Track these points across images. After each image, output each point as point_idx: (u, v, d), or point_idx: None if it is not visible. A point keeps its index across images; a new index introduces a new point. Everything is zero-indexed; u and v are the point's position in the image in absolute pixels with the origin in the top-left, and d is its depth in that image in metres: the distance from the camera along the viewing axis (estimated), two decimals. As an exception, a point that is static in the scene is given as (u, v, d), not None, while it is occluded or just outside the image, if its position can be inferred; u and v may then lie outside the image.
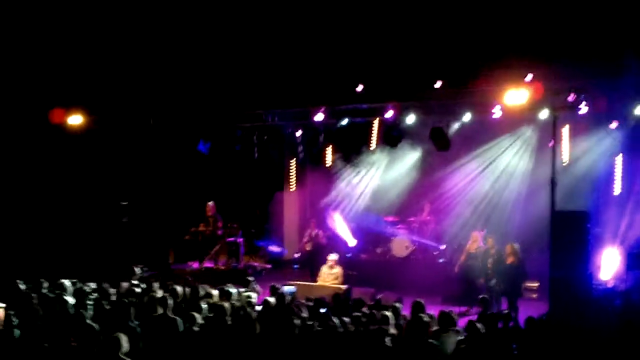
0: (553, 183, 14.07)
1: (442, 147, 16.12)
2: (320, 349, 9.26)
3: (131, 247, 17.85)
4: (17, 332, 9.26)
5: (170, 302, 10.32)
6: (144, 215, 18.94)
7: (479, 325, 9.82)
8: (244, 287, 13.22)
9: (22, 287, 12.18)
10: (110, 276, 13.65)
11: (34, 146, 18.03)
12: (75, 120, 17.83)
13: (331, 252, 16.52)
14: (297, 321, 9.77)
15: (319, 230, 18.66)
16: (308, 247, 18.48)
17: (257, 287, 13.52)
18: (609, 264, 15.80)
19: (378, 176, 20.28)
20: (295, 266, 20.36)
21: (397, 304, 11.56)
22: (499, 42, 16.82)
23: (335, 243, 19.00)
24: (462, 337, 9.62)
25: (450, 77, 17.36)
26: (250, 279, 13.97)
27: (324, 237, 18.61)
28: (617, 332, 11.27)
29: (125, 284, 13.05)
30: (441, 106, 15.77)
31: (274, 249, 20.76)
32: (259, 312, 11.14)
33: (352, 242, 19.35)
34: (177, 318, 9.91)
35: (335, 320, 9.88)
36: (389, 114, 15.99)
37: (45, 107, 17.78)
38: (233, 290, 12.19)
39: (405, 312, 11.34)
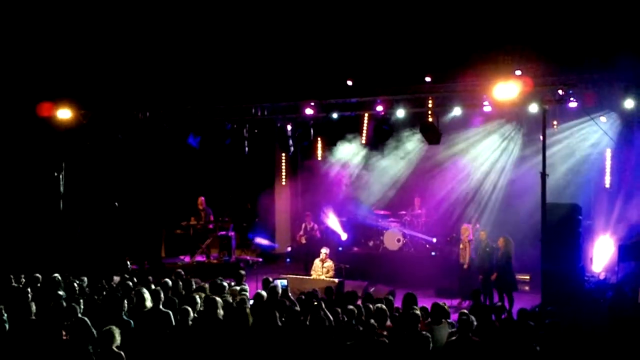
0: (544, 176, 14.11)
1: (432, 141, 16.12)
2: (312, 342, 9.25)
3: (123, 241, 17.80)
4: (6, 326, 9.21)
5: (163, 296, 10.28)
6: (135, 210, 18.88)
7: (471, 317, 9.84)
8: (236, 280, 13.18)
9: (15, 282, 12.12)
10: (103, 270, 13.60)
11: (23, 140, 17.92)
12: (64, 114, 17.73)
13: (325, 246, 16.54)
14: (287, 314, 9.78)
15: (315, 224, 18.70)
16: (303, 240, 18.51)
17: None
18: (600, 256, 15.87)
19: (368, 169, 20.28)
20: (288, 260, 20.42)
21: (390, 297, 11.58)
22: (489, 37, 16.84)
23: (328, 236, 19.03)
24: (454, 329, 9.63)
25: (440, 72, 17.41)
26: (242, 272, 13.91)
27: (319, 230, 18.64)
28: (608, 324, 11.33)
29: (117, 278, 12.99)
30: (431, 100, 15.76)
31: (263, 241, 20.74)
32: (251, 305, 11.11)
33: (343, 235, 19.37)
34: (169, 312, 9.88)
35: (327, 313, 9.88)
36: (379, 108, 15.99)
37: (33, 101, 17.68)
38: (224, 284, 12.17)
39: (398, 304, 11.35)
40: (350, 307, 10.15)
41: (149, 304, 10.12)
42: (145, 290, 10.48)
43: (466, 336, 8.87)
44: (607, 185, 17.01)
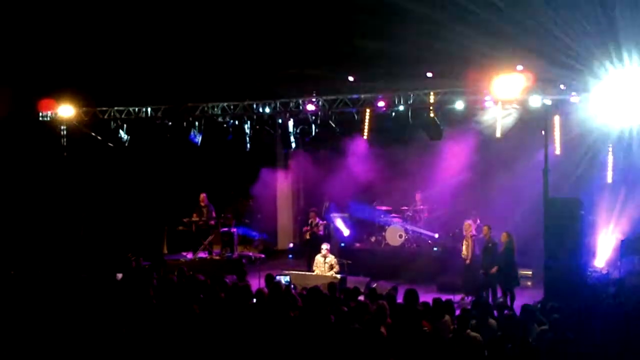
0: (546, 171, 14.11)
1: (434, 137, 16.12)
2: (315, 339, 9.24)
3: (125, 238, 17.81)
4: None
5: (167, 292, 10.30)
6: (137, 206, 18.89)
7: (472, 313, 9.85)
8: (238, 277, 13.16)
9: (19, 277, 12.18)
10: (106, 267, 13.62)
11: (25, 138, 17.93)
12: (66, 111, 17.76)
13: (327, 242, 16.53)
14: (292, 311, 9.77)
15: (319, 220, 18.72)
16: (307, 236, 18.53)
17: None
18: (603, 250, 15.85)
19: (371, 165, 20.23)
20: (290, 256, 20.43)
21: (392, 293, 11.57)
22: (490, 32, 16.80)
23: (331, 233, 19.02)
24: (457, 325, 9.63)
25: (442, 67, 17.37)
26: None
27: (322, 227, 18.64)
28: (611, 320, 11.30)
29: (120, 275, 13.01)
30: (433, 95, 15.75)
31: (253, 233, 20.76)
32: (254, 302, 11.11)
33: (346, 231, 19.36)
34: (175, 309, 9.88)
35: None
36: (381, 104, 16.00)
37: (34, 98, 17.71)
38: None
39: (400, 300, 11.32)
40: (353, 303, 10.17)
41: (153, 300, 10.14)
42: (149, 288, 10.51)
43: (465, 332, 8.86)
44: (610, 180, 16.94)
